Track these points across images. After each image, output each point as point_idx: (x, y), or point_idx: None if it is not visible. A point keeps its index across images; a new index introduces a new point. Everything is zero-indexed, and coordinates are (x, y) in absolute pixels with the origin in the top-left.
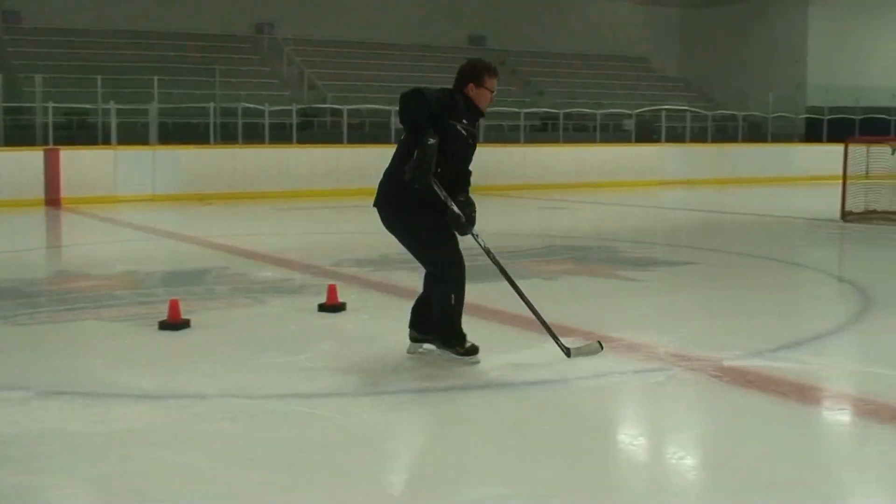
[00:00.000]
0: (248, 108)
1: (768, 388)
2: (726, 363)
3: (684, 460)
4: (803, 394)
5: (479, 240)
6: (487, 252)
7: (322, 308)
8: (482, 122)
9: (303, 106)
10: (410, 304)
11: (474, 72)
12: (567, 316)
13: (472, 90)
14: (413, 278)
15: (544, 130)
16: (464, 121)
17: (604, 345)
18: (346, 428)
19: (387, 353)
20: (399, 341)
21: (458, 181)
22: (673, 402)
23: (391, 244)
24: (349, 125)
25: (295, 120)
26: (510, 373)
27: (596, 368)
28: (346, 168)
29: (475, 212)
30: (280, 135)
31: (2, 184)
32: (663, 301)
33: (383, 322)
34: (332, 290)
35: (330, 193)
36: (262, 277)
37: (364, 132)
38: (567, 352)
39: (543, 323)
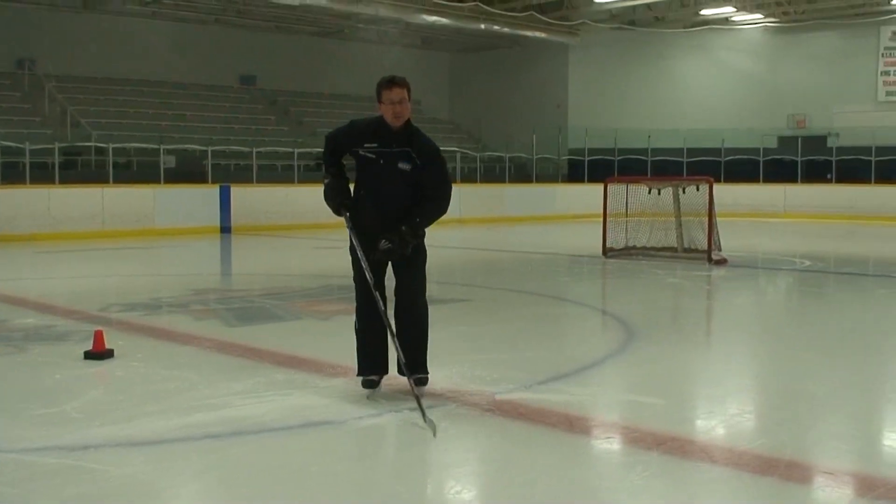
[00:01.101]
0: (8, 146)
1: (538, 419)
2: (498, 397)
3: (461, 494)
4: (572, 424)
5: (368, 274)
6: (374, 286)
7: (88, 355)
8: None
9: (66, 144)
10: (184, 348)
11: (376, 93)
12: (345, 356)
13: (380, 109)
14: (187, 322)
15: (318, 170)
16: (367, 144)
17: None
18: (118, 480)
19: (159, 400)
20: (172, 387)
21: (393, 202)
22: (450, 437)
23: (161, 287)
24: (115, 164)
25: (57, 159)
26: (288, 415)
27: (372, 408)
28: (112, 209)
29: (389, 242)
30: (42, 174)
31: None
32: (438, 338)
33: (155, 368)
34: (98, 336)
35: (96, 235)
36: (23, 324)
37: (132, 171)
38: (425, 419)
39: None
